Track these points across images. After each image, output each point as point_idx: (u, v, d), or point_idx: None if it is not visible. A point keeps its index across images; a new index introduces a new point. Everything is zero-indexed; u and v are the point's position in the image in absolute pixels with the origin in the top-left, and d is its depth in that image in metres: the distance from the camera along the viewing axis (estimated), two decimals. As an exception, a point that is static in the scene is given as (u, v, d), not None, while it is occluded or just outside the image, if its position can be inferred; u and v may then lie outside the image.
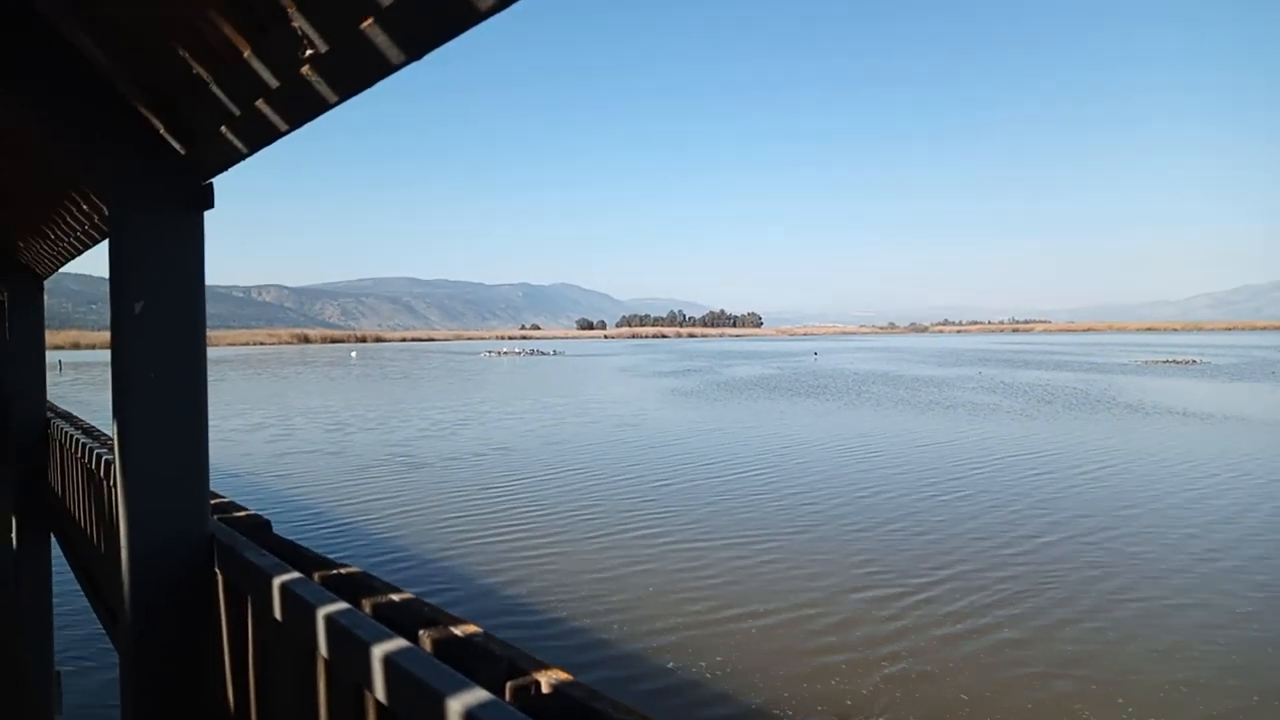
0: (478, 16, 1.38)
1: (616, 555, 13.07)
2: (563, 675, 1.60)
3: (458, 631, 1.83)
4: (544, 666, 1.65)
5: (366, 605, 2.07)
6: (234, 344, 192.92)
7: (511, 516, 15.71)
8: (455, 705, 1.47)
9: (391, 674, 1.66)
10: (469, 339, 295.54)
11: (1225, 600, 10.80)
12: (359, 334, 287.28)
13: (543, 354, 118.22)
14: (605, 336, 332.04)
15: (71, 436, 5.97)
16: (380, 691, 1.69)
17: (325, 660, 1.98)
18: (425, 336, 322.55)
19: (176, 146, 2.70)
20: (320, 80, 1.82)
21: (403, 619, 1.94)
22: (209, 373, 2.83)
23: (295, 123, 2.09)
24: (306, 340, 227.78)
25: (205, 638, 2.76)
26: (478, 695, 1.48)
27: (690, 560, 12.76)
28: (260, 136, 2.28)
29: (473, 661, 1.69)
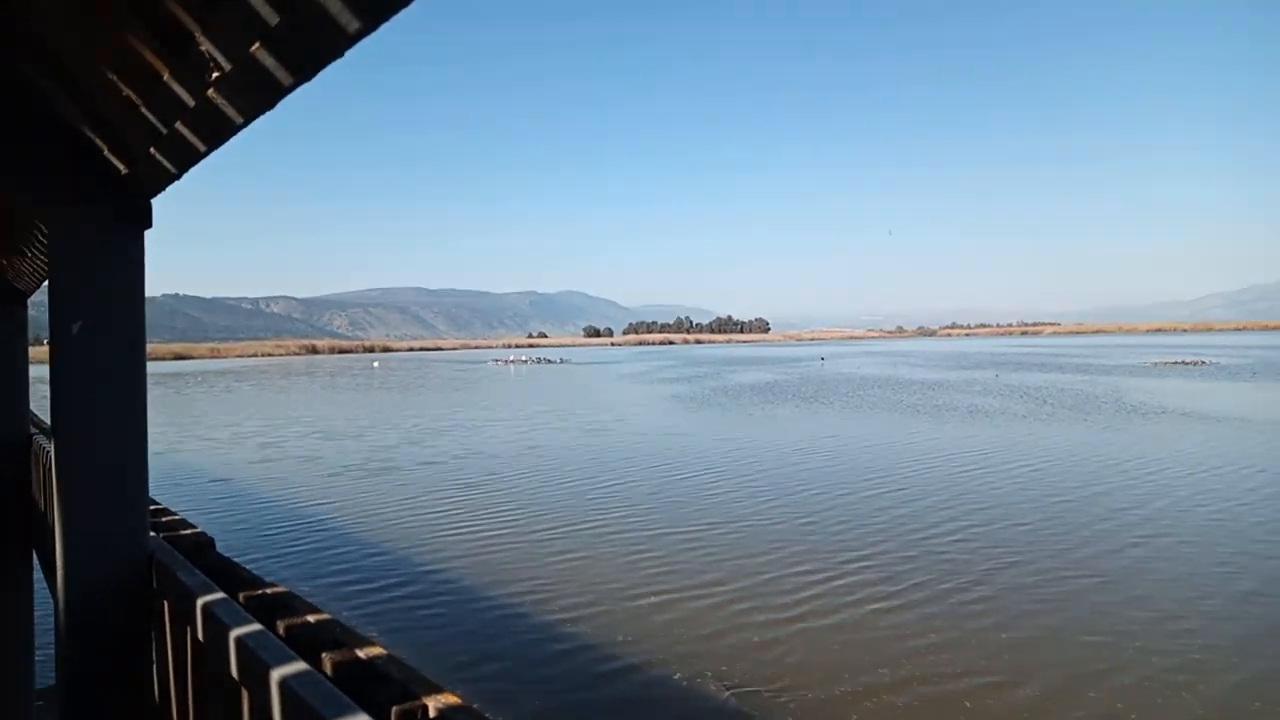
0: (348, 40, 1.39)
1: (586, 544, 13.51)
2: (452, 699, 1.59)
3: (361, 654, 1.82)
4: (438, 690, 1.63)
5: (281, 626, 2.06)
6: (241, 355, 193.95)
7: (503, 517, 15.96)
8: (336, 731, 1.46)
9: (285, 698, 1.65)
10: (476, 348, 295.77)
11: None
12: (367, 344, 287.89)
13: (549, 362, 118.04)
14: (612, 344, 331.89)
15: (49, 453, 5.98)
16: (277, 715, 1.68)
17: (237, 683, 1.97)
18: (433, 346, 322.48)
19: (119, 165, 2.71)
20: (225, 102, 1.83)
21: (312, 640, 1.93)
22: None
23: (211, 144, 2.10)
24: (314, 351, 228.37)
25: (144, 662, 2.75)
26: None
27: (642, 548, 13.81)
28: (185, 157, 2.29)
29: (370, 685, 1.69)
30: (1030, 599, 10.87)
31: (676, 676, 8.72)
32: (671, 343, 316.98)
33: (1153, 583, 11.40)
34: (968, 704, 7.96)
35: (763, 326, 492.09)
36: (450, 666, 8.96)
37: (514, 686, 8.61)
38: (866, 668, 8.82)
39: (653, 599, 11.17)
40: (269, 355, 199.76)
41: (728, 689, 8.36)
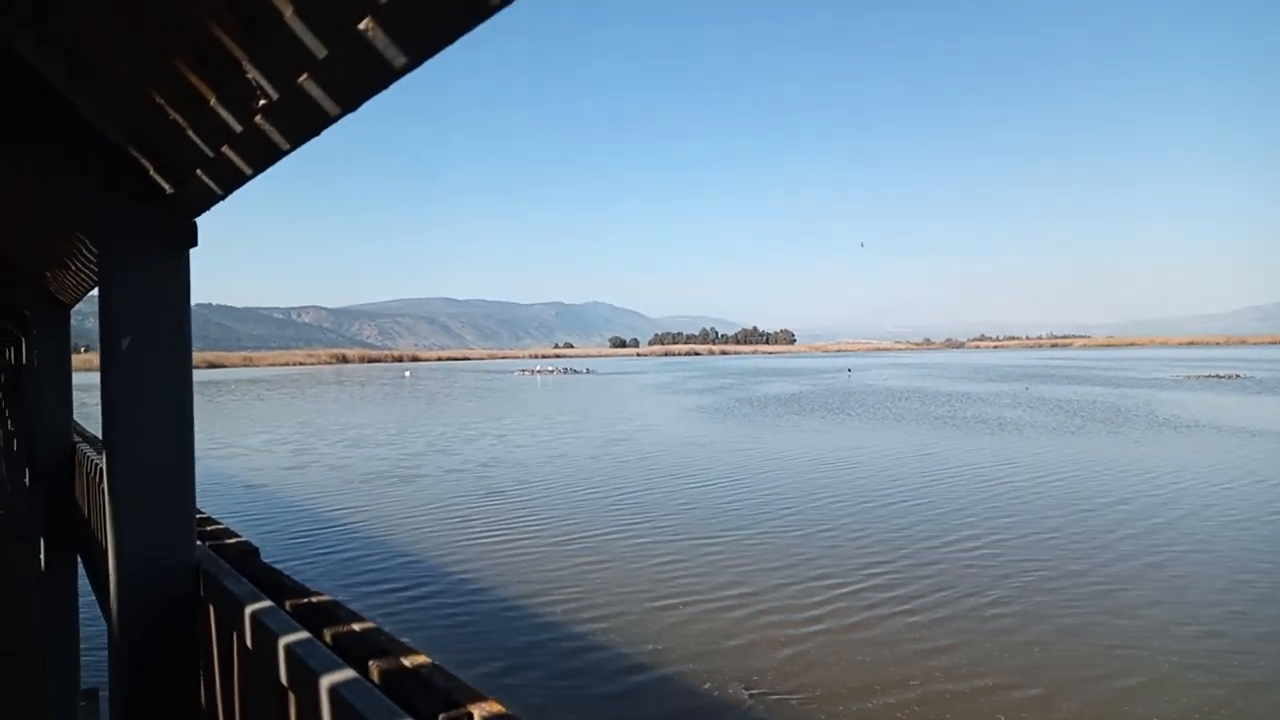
0: (394, 74, 1.45)
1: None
2: (496, 707, 1.64)
3: (407, 662, 1.87)
4: (481, 699, 1.68)
5: (328, 634, 2.12)
6: (273, 364, 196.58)
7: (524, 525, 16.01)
8: (385, 737, 1.51)
9: (335, 704, 1.71)
10: (503, 358, 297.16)
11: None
12: (396, 354, 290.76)
13: (575, 372, 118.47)
14: (638, 354, 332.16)
15: (92, 461, 6.13)
16: (326, 720, 1.74)
17: (285, 689, 2.03)
18: (461, 356, 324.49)
19: (165, 185, 2.80)
20: (272, 128, 1.90)
21: (358, 649, 1.99)
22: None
23: (257, 167, 2.18)
24: (344, 360, 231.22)
25: (192, 666, 2.82)
26: None
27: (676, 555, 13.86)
28: (231, 179, 2.37)
29: (415, 693, 1.74)
30: (1059, 609, 10.77)
31: (698, 679, 8.74)
32: (697, 353, 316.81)
33: (1183, 593, 11.35)
34: (1002, 717, 7.87)
35: (788, 338, 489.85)
36: (465, 663, 9.07)
37: (535, 686, 8.68)
38: (893, 675, 8.78)
39: (674, 603, 11.24)
40: (300, 364, 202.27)
41: (750, 693, 8.37)
